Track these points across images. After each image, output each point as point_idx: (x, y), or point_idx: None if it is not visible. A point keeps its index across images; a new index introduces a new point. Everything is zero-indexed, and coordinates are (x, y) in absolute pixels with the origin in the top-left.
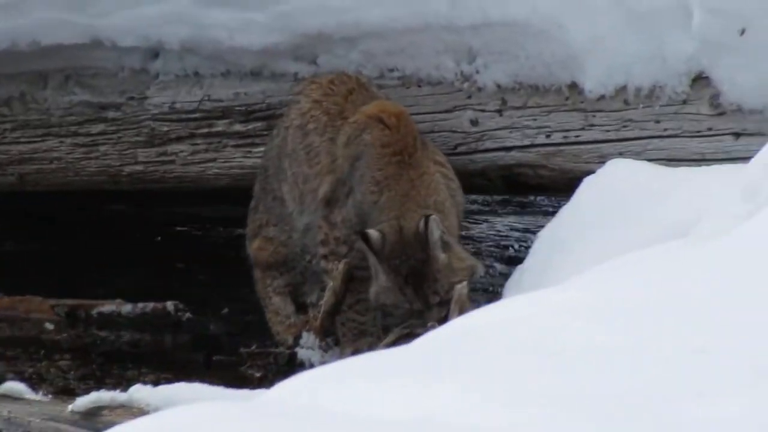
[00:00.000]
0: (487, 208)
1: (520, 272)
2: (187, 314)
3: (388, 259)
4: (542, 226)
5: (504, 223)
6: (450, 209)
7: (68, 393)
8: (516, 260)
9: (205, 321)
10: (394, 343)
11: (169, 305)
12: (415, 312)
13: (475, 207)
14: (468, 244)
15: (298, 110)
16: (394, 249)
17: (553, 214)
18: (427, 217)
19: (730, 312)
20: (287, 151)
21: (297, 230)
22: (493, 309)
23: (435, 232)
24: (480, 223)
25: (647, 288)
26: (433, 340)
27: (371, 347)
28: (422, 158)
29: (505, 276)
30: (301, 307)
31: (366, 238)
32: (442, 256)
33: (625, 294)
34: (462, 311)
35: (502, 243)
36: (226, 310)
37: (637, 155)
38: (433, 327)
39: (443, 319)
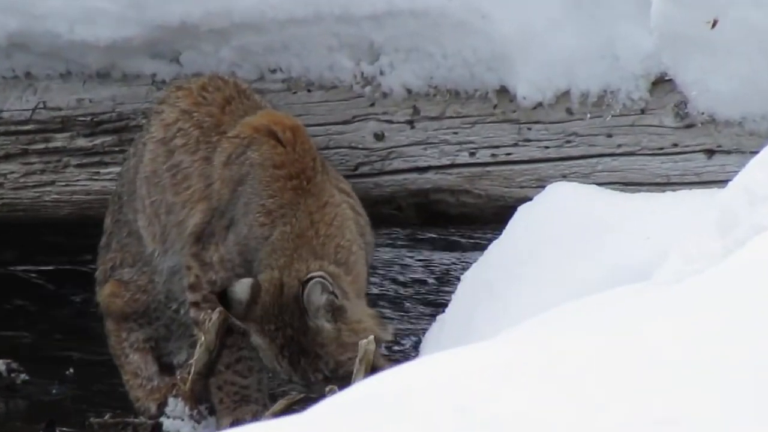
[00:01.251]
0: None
1: (440, 323)
2: (23, 375)
3: (261, 322)
4: (467, 265)
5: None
6: (357, 256)
7: None
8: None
9: (45, 384)
10: (284, 412)
11: (0, 364)
12: (294, 383)
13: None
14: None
15: (161, 122)
16: (268, 312)
17: (479, 250)
18: (305, 282)
19: (702, 374)
20: (146, 174)
21: (160, 273)
22: (407, 369)
23: (315, 301)
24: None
25: (598, 344)
26: (331, 408)
27: (256, 417)
28: (324, 183)
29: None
30: (166, 368)
31: (223, 299)
32: (327, 328)
33: (570, 351)
34: (370, 370)
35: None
36: (71, 371)
37: (583, 178)
38: (332, 392)
39: (345, 381)
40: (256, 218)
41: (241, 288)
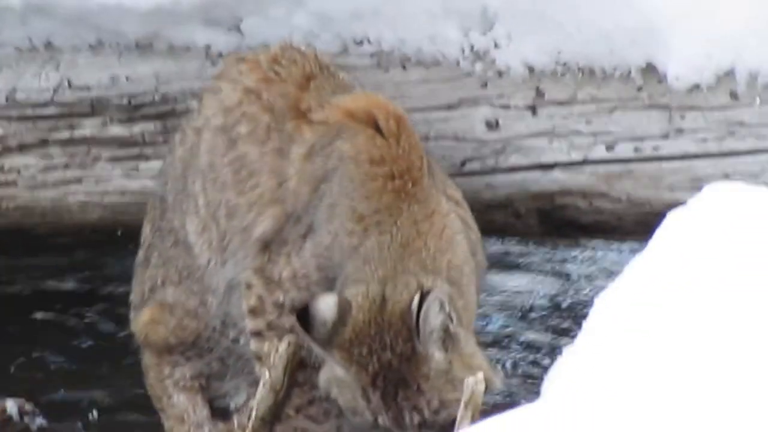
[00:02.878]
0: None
1: (568, 358)
2: (39, 419)
3: (350, 346)
4: (602, 285)
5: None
6: (468, 279)
7: None
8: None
9: (66, 430)
10: None
11: (10, 405)
12: (381, 429)
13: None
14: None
15: (219, 104)
16: (362, 333)
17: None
18: (424, 293)
19: None
20: (200, 167)
21: (215, 291)
22: (525, 417)
23: (434, 319)
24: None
25: None
26: None
27: None
28: (430, 189)
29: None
30: (219, 413)
31: (303, 314)
32: (437, 357)
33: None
34: (476, 416)
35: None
36: (93, 415)
37: (751, 178)
38: None
39: (447, 427)
40: (344, 225)
41: (327, 305)
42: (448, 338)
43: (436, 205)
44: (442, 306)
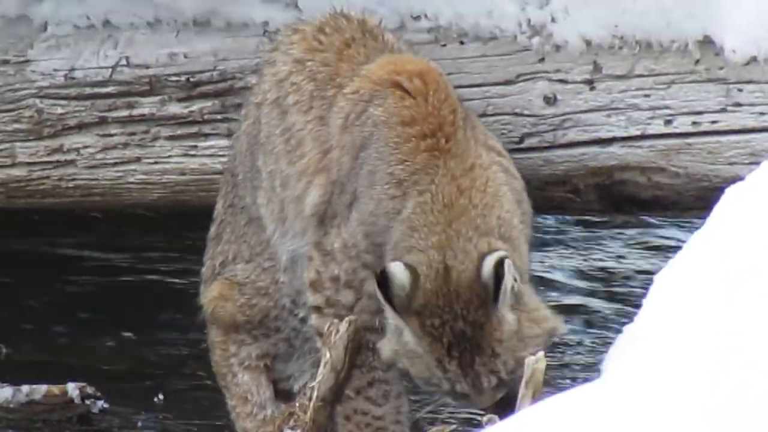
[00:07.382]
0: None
1: (628, 336)
2: (100, 403)
3: (421, 315)
4: (664, 261)
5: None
6: (519, 231)
7: None
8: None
9: (129, 413)
10: None
11: (72, 389)
12: (459, 395)
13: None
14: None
15: (273, 76)
16: (433, 302)
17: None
18: (501, 260)
19: None
20: (261, 140)
21: (284, 269)
22: (587, 396)
23: (508, 283)
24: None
25: None
26: None
27: None
28: (467, 141)
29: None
30: (283, 394)
31: (383, 279)
32: (510, 319)
33: None
34: (537, 395)
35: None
36: (160, 397)
37: None
38: (491, 422)
39: (507, 405)
40: (385, 190)
41: (400, 270)
42: (514, 298)
43: (476, 158)
44: (509, 267)
